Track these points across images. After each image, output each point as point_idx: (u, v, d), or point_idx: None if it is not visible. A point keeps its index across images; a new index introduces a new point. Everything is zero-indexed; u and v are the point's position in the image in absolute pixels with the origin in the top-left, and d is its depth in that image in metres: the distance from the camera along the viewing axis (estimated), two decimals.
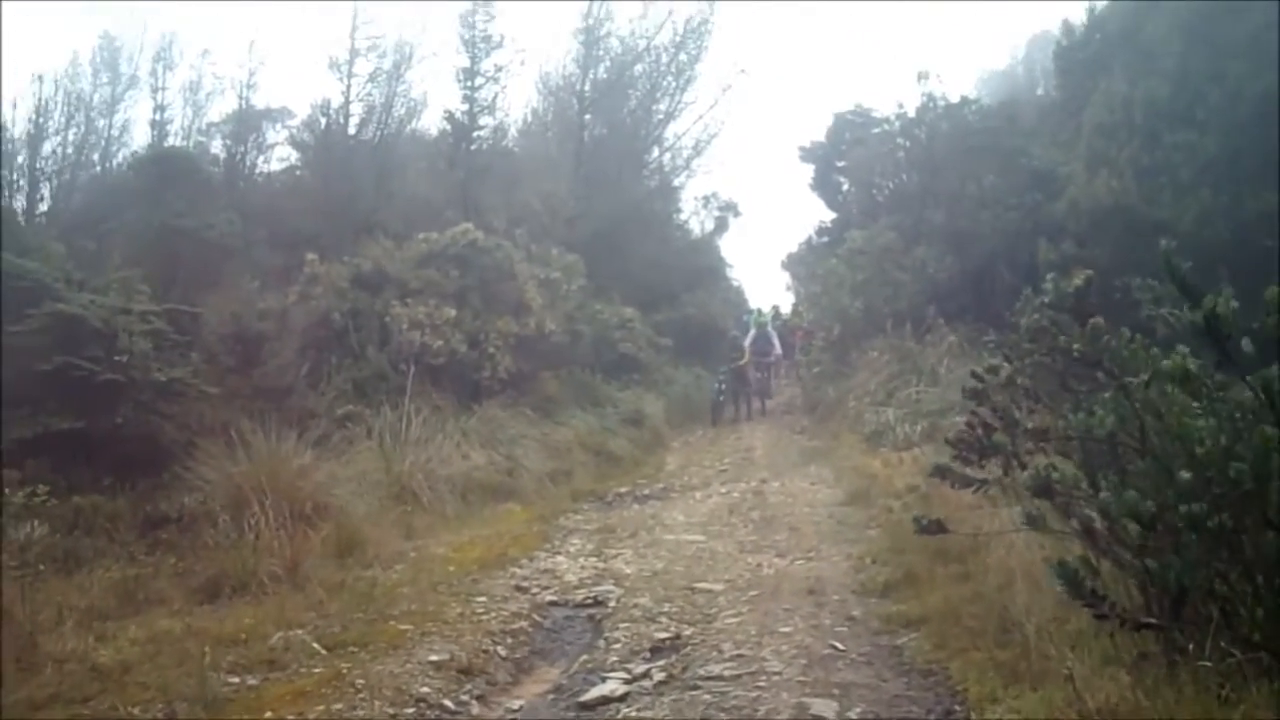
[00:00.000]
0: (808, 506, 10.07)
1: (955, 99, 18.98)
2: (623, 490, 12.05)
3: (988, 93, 25.31)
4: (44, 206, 21.24)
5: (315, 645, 5.69)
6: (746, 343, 19.81)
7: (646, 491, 11.93)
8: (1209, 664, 3.46)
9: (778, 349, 21.06)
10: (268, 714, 4.67)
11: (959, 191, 17.14)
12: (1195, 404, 3.73)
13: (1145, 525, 3.62)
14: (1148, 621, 3.40)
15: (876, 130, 22.42)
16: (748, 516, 9.73)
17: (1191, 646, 3.52)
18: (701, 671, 5.07)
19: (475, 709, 4.98)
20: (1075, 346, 3.74)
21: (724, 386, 19.33)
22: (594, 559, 8.30)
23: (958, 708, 4.33)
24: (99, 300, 10.42)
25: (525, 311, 15.61)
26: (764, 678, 4.86)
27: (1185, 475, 3.56)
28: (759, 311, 22.49)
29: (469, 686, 5.22)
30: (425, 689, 5.03)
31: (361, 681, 5.04)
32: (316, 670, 5.30)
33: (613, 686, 5.02)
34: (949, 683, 4.63)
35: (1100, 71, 14.04)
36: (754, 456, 14.56)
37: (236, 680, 5.16)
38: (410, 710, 4.77)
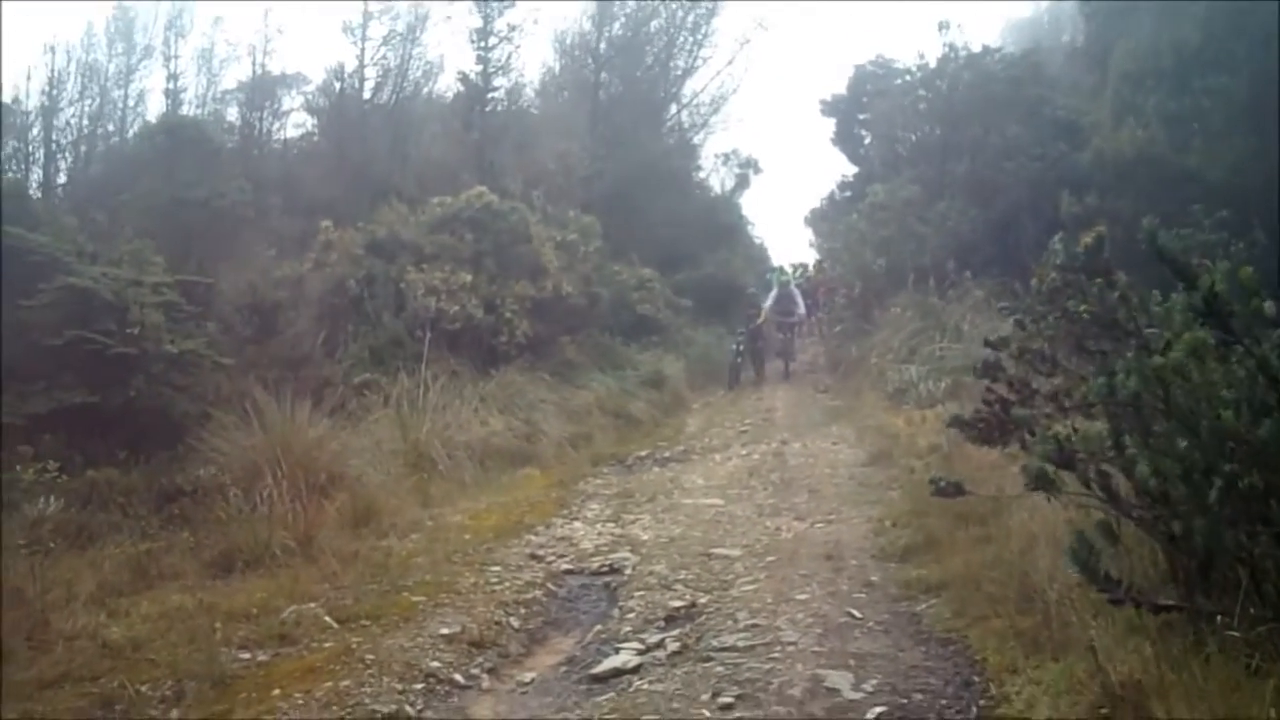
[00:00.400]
0: (828, 468, 9.94)
1: (977, 48, 18.62)
2: (642, 454, 11.95)
3: (1012, 41, 24.80)
4: (61, 179, 21.24)
5: (327, 619, 5.63)
6: (768, 302, 18.97)
7: (666, 454, 11.82)
8: (1237, 634, 3.31)
9: (801, 309, 19.66)
10: (275, 691, 4.61)
11: (982, 143, 16.84)
12: (1220, 365, 3.56)
13: (1165, 490, 3.47)
14: (1165, 604, 3.25)
15: (898, 82, 22.04)
16: (767, 479, 9.61)
17: (1219, 616, 3.38)
18: (715, 642, 4.97)
19: (486, 682, 4.91)
20: (1083, 309, 3.57)
21: (741, 348, 18.67)
22: (611, 525, 8.21)
23: (976, 679, 4.21)
24: (111, 273, 10.36)
25: (542, 274, 15.48)
26: (779, 648, 4.75)
27: (1208, 436, 3.41)
28: (781, 269, 21.98)
29: (480, 659, 5.15)
30: (435, 663, 4.96)
31: (371, 656, 4.98)
32: (327, 645, 5.24)
33: (626, 658, 4.94)
34: (968, 652, 4.51)
35: (1127, 17, 13.66)
36: (775, 417, 14.42)
37: (247, 656, 5.11)
38: (419, 685, 4.71)
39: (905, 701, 4.09)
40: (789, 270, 22.45)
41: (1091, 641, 3.60)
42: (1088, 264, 3.65)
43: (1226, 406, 3.24)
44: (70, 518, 7.46)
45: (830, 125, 26.99)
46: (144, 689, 4.62)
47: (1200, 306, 3.08)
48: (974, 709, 3.95)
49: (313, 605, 5.84)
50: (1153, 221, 3.47)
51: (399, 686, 4.65)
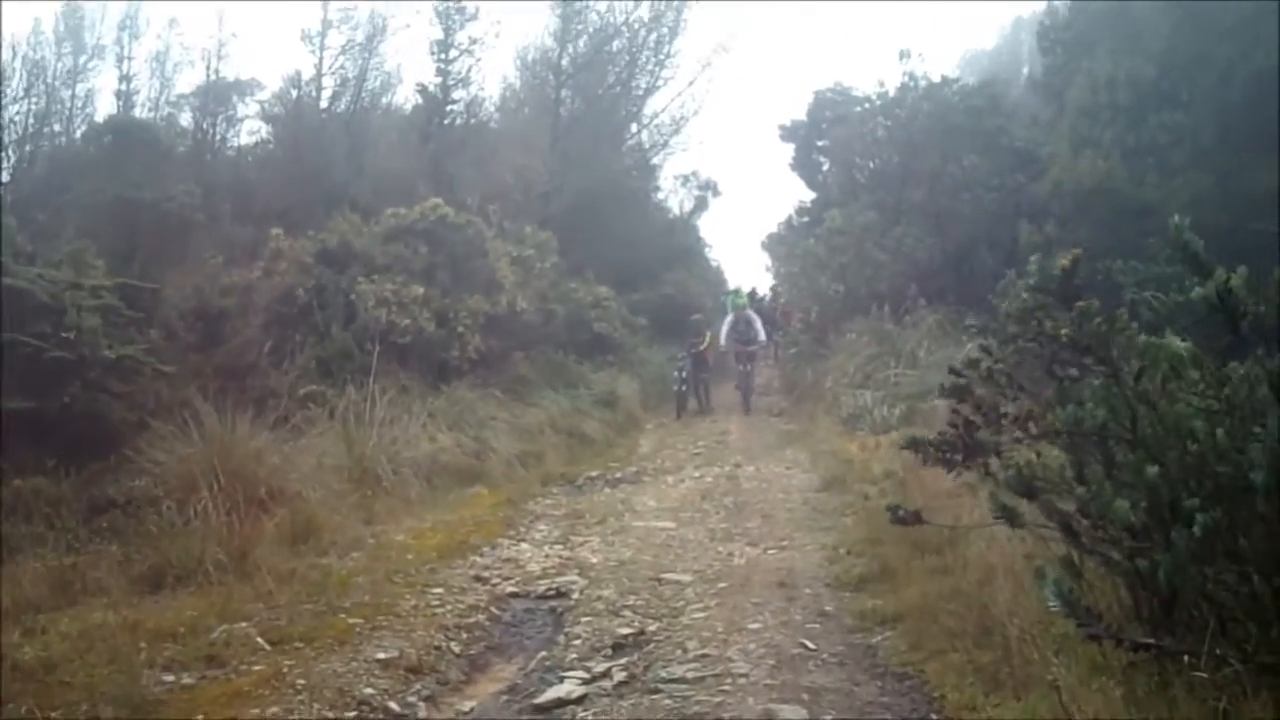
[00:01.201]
0: (782, 492, 9.82)
1: (937, 78, 18.74)
2: (594, 474, 11.75)
3: (973, 73, 25.10)
4: (4, 177, 20.66)
5: (259, 640, 5.38)
6: (724, 327, 17.74)
7: (618, 475, 11.64)
8: (1204, 674, 3.19)
9: (762, 336, 18.07)
10: (199, 716, 4.37)
11: (940, 171, 16.92)
12: (1194, 392, 3.46)
13: (1129, 524, 3.36)
14: (1144, 642, 3.12)
15: (857, 109, 22.14)
16: (720, 502, 9.46)
17: (1186, 656, 3.26)
18: (664, 673, 4.79)
19: (422, 711, 4.68)
20: (1063, 331, 3.46)
21: (685, 375, 17.40)
22: (559, 547, 8.01)
23: (934, 716, 4.07)
24: (49, 274, 10.01)
25: (496, 289, 15.25)
26: (729, 680, 4.58)
27: (1175, 469, 3.31)
28: (737, 291, 21.73)
29: (417, 686, 4.92)
30: (370, 690, 4.73)
31: (302, 682, 4.74)
32: (257, 668, 4.99)
33: (570, 688, 4.74)
34: (925, 688, 4.36)
35: (1084, 52, 13.83)
36: (729, 440, 14.29)
37: (171, 678, 4.84)
38: (351, 714, 4.48)
39: None
40: (745, 293, 22.27)
41: (1055, 680, 3.47)
42: (1063, 287, 3.54)
43: (1205, 430, 3.13)
44: None
45: (789, 150, 27.16)
46: (55, 715, 4.33)
47: (1214, 301, 2.95)
48: None
49: (244, 625, 5.58)
50: (1181, 221, 3.37)
51: (330, 714, 4.43)
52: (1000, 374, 3.89)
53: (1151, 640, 3.20)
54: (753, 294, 24.37)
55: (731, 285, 27.11)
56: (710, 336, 17.81)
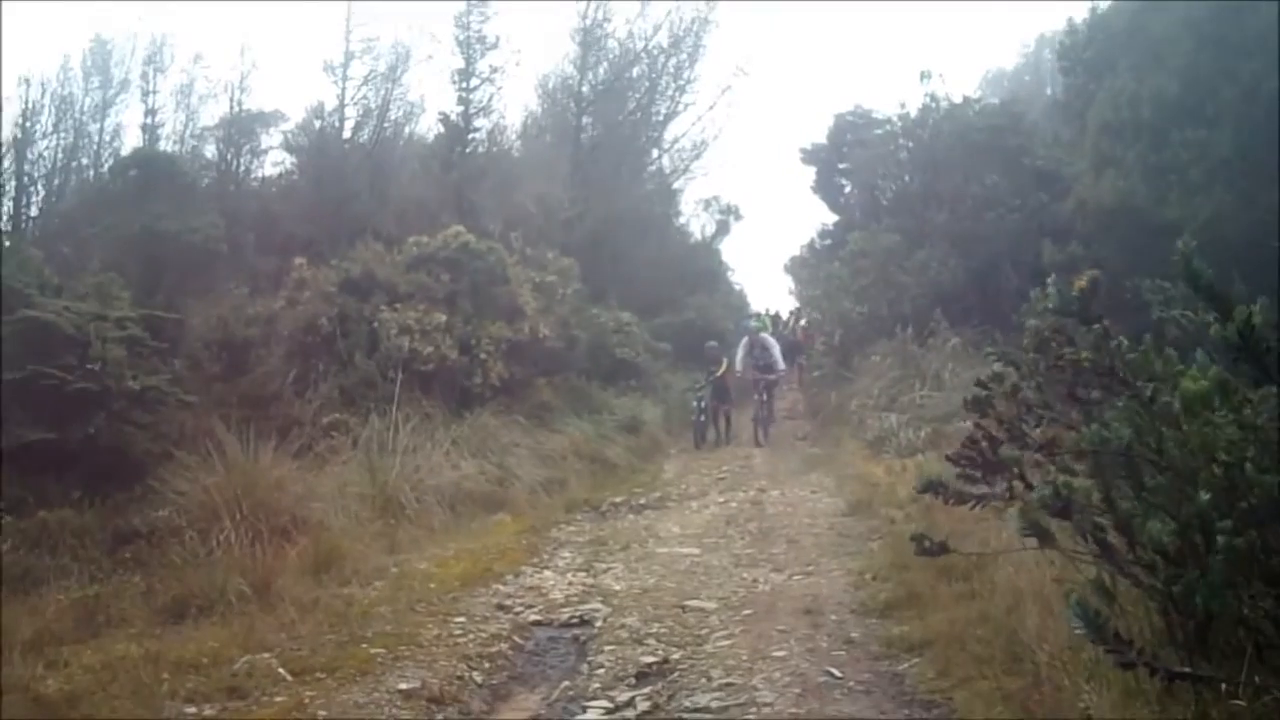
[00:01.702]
0: (807, 517, 9.73)
1: (958, 99, 18.72)
2: (618, 500, 11.68)
3: (994, 93, 25.06)
4: (33, 211, 20.94)
5: (281, 670, 5.34)
6: (739, 352, 17.02)
7: (642, 501, 11.56)
8: (1241, 702, 3.10)
9: (780, 363, 17.29)
10: None
11: (962, 192, 16.87)
12: (1222, 416, 3.38)
13: (1162, 547, 3.28)
14: (1182, 672, 3.04)
15: (878, 131, 22.18)
16: (745, 528, 9.38)
17: (1224, 684, 3.16)
18: (688, 702, 4.72)
19: None
20: (1085, 356, 3.39)
21: (704, 404, 16.76)
22: (583, 574, 7.95)
23: None
24: (74, 306, 10.08)
25: (519, 316, 15.25)
26: (754, 709, 4.51)
27: (1205, 494, 3.23)
28: (758, 315, 21.53)
29: (440, 717, 4.88)
30: None
31: (324, 713, 4.71)
32: (279, 699, 4.96)
33: (594, 718, 4.69)
34: (954, 716, 4.28)
35: (1105, 70, 13.74)
36: (753, 464, 14.21)
37: (193, 710, 4.82)
38: None
39: None
40: (765, 317, 22.17)
41: (1087, 708, 3.38)
42: (1081, 309, 3.47)
43: (1237, 457, 3.05)
44: (15, 561, 7.13)
45: (811, 173, 27.21)
46: None
47: (1234, 340, 2.89)
48: None
49: (266, 655, 5.55)
50: (1189, 244, 3.30)
51: None
52: (1026, 391, 3.83)
53: (1188, 669, 3.11)
54: (775, 318, 24.30)
55: (754, 308, 27.09)
56: (726, 363, 17.13)
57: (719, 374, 16.87)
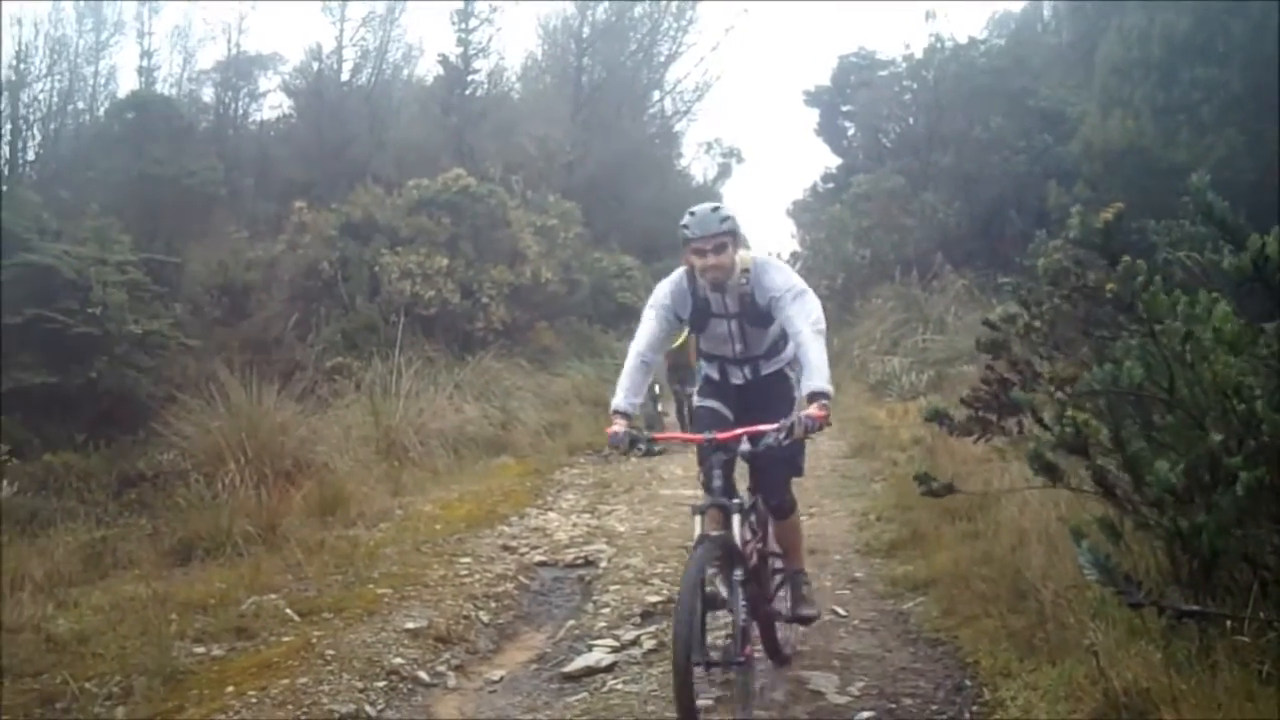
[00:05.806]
0: (810, 459, 9.72)
1: (964, 40, 18.48)
2: None
3: (1001, 33, 24.62)
4: (29, 155, 20.71)
5: (288, 611, 5.38)
6: None
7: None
8: (1246, 639, 3.10)
9: None
10: (229, 688, 4.35)
11: (967, 134, 16.71)
12: (1234, 355, 3.34)
13: (1170, 486, 3.26)
14: (1190, 610, 3.03)
15: (882, 73, 21.92)
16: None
17: (1229, 620, 3.17)
18: None
19: (452, 680, 4.65)
20: (1109, 287, 3.33)
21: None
22: (587, 516, 7.99)
23: (968, 682, 4.00)
24: (74, 251, 10.04)
25: (520, 260, 15.21)
26: (759, 647, 4.53)
27: (1216, 434, 3.21)
28: None
29: (447, 656, 4.90)
30: (399, 659, 4.71)
31: (331, 652, 4.72)
32: (286, 639, 4.99)
33: (599, 655, 4.72)
34: (958, 654, 4.30)
35: (1114, 9, 13.50)
36: None
37: (201, 650, 4.84)
38: (381, 683, 4.45)
39: (894, 706, 3.89)
40: None
41: (1092, 645, 3.39)
42: (1105, 242, 3.41)
43: (1248, 395, 3.02)
44: (22, 503, 7.16)
45: (814, 116, 26.77)
46: (89, 685, 4.34)
47: (1248, 270, 2.84)
48: (966, 715, 3.74)
49: (273, 597, 5.59)
50: (1202, 177, 3.24)
51: (359, 684, 4.40)
52: (1039, 331, 3.78)
53: (1195, 607, 3.11)
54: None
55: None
56: None
57: None
